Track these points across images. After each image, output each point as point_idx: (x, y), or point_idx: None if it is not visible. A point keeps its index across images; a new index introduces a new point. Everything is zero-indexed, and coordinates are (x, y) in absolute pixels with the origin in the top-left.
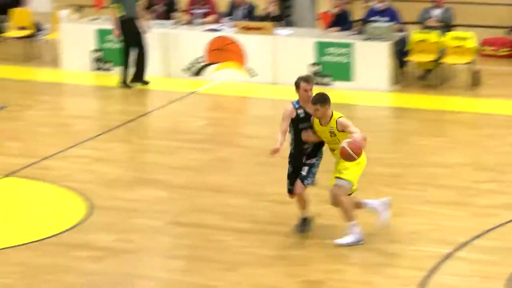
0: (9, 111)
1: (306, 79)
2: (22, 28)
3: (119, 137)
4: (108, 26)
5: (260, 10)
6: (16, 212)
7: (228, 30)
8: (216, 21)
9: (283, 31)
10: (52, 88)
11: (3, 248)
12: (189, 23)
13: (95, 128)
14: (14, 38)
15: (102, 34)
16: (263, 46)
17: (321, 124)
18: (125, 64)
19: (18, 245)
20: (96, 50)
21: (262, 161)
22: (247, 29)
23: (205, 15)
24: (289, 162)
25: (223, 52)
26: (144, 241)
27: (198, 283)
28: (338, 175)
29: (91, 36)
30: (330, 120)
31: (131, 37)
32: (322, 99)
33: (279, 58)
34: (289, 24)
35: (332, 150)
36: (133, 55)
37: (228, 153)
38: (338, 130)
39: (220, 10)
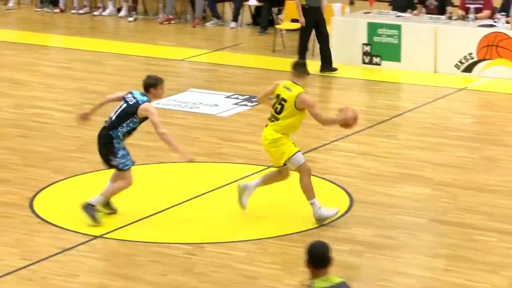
0: None
1: None
2: (294, 20)
3: (384, 132)
4: (379, 20)
5: None
6: (279, 203)
7: (502, 26)
8: (490, 17)
9: None
10: (320, 81)
11: (265, 238)
12: (462, 18)
13: (361, 122)
14: (286, 30)
15: (373, 28)
16: None
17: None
18: (303, 52)
19: (280, 236)
20: (366, 44)
21: None
22: None
23: (479, 10)
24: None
25: (495, 48)
26: (404, 237)
27: (457, 283)
28: None
29: (363, 29)
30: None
31: (312, 26)
32: None
33: None
34: None
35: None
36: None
37: (496, 152)
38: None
39: (495, 5)
